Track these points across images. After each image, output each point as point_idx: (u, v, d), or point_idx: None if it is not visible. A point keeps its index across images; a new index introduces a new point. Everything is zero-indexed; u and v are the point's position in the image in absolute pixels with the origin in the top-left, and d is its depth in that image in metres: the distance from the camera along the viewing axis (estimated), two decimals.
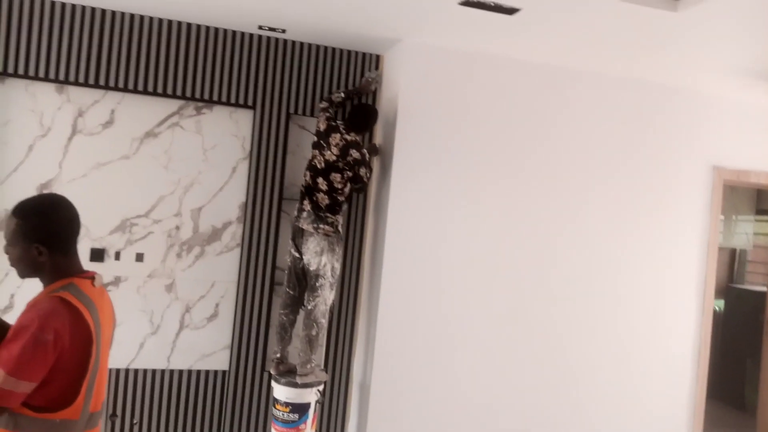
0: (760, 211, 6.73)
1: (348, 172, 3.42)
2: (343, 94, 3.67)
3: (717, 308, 6.36)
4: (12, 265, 1.70)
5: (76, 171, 3.56)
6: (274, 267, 3.79)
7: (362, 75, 3.90)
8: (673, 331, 4.08)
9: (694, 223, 4.11)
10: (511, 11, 2.94)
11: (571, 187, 3.86)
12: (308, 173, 3.48)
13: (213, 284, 3.78)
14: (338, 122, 3.52)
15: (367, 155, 3.51)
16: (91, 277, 1.75)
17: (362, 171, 3.46)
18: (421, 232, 3.61)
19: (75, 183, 3.55)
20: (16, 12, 3.36)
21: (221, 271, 3.79)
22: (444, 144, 3.65)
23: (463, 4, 2.91)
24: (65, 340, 1.55)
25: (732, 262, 6.92)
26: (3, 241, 1.72)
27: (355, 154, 3.41)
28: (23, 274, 1.70)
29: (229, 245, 3.81)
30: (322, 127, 3.50)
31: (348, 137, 3.43)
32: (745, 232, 6.87)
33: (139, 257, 3.65)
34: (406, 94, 3.59)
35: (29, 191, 3.47)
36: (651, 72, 3.81)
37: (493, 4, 2.88)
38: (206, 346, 3.77)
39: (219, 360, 3.79)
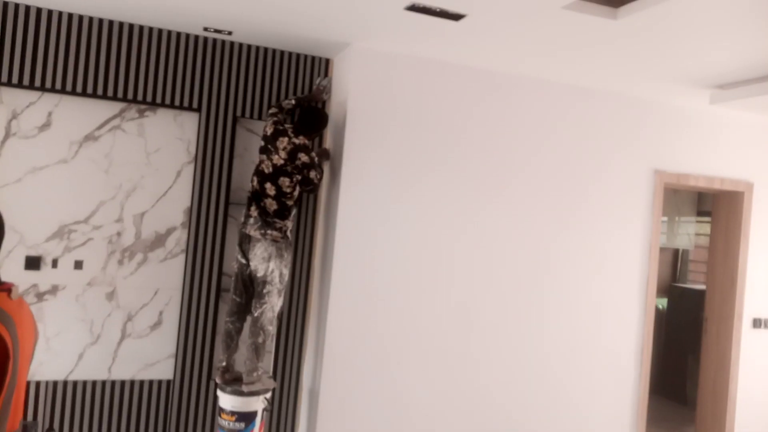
0: (701, 213, 7.00)
1: (297, 176, 3.38)
2: (293, 101, 3.63)
3: (660, 306, 6.57)
4: None
5: (10, 176, 3.40)
6: (220, 273, 3.71)
7: (311, 78, 3.87)
8: (617, 330, 4.19)
9: (637, 225, 4.23)
10: (457, 17, 2.97)
11: (517, 189, 3.92)
12: (255, 178, 3.42)
13: (156, 292, 3.68)
14: (286, 126, 3.47)
15: (317, 159, 3.48)
16: (7, 289, 1.65)
17: (312, 174, 3.42)
18: (371, 236, 3.60)
19: (8, 188, 3.39)
20: None
21: (165, 278, 3.69)
22: (392, 148, 3.65)
23: (409, 8, 2.92)
24: None
25: (675, 262, 7.18)
26: None
27: (303, 157, 3.37)
28: None
29: (173, 251, 3.71)
30: (269, 131, 3.44)
31: (296, 141, 3.39)
32: (687, 232, 7.13)
33: (78, 265, 3.52)
34: (354, 99, 3.57)
35: None
36: (594, 79, 3.90)
37: (438, 10, 2.90)
38: (150, 356, 3.66)
39: (163, 369, 3.68)
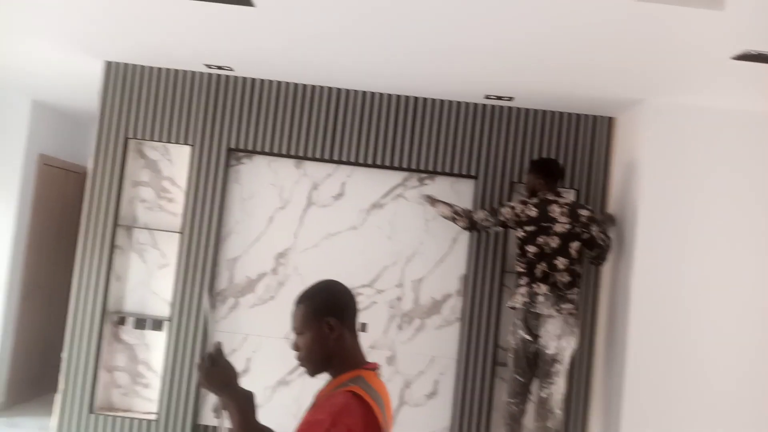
0: None
1: (585, 235, 3.13)
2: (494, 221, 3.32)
3: None
4: (303, 359, 1.65)
5: (309, 241, 3.72)
6: (496, 345, 3.55)
7: (592, 140, 3.62)
8: None
9: None
10: None
11: None
12: (542, 264, 3.13)
13: (432, 359, 3.65)
14: (540, 196, 3.20)
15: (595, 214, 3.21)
16: (375, 368, 1.66)
17: (594, 230, 3.13)
18: (672, 311, 3.13)
19: (307, 252, 3.71)
20: (265, 96, 3.69)
21: (441, 346, 3.65)
22: (696, 214, 3.18)
23: (737, 58, 2.53)
24: None
25: None
26: (290, 340, 1.69)
27: (585, 213, 3.14)
28: (314, 365, 1.64)
29: (448, 319, 3.67)
30: (532, 213, 3.16)
31: (564, 200, 3.17)
32: None
33: (363, 327, 3.66)
34: (649, 159, 3.22)
35: (268, 260, 3.70)
36: None
37: None
38: (425, 426, 3.60)
39: None
